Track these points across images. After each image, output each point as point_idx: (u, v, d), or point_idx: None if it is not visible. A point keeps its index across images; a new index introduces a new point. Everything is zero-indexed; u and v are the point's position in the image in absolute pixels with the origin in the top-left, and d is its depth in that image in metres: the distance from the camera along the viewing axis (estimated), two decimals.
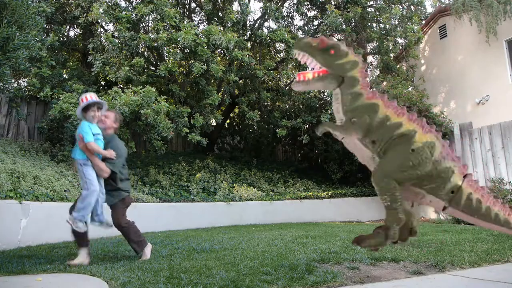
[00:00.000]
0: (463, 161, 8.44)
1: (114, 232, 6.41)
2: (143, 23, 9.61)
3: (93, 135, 3.83)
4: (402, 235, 2.25)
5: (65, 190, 6.33)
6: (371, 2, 11.79)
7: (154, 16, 8.86)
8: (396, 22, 11.15)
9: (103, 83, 10.75)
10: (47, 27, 9.72)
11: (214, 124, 10.28)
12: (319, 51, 2.17)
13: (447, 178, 2.07)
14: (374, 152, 2.17)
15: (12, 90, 8.48)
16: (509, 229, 2.12)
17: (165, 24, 8.50)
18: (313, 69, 2.21)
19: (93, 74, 9.01)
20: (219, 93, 10.28)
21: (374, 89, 2.34)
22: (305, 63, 2.23)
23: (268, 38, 10.06)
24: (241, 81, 11.07)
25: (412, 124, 2.14)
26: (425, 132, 2.13)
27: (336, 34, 11.83)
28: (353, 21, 10.90)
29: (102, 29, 10.19)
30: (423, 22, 12.32)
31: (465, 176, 2.11)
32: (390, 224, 2.04)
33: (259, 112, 10.05)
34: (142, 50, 9.66)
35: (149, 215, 7.12)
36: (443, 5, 11.97)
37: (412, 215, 2.25)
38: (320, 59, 2.17)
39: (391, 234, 2.06)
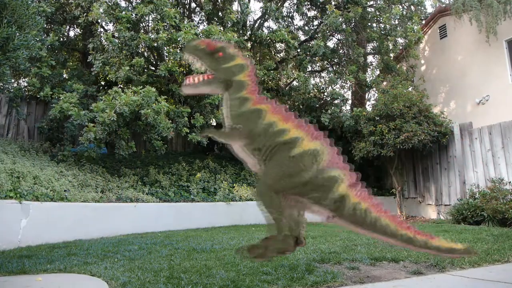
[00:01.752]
0: (463, 161, 8.44)
1: (114, 232, 6.43)
2: (143, 23, 9.61)
3: None
4: (289, 245, 2.17)
5: (65, 190, 6.33)
6: (371, 2, 11.79)
7: (154, 16, 8.86)
8: (396, 22, 11.15)
9: (103, 83, 10.76)
10: (47, 27, 9.72)
11: (215, 124, 10.28)
12: (207, 54, 2.11)
13: (332, 187, 1.97)
14: (258, 160, 2.07)
15: (12, 90, 8.48)
16: (397, 240, 2.03)
17: (165, 24, 8.50)
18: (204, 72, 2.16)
19: (93, 74, 9.01)
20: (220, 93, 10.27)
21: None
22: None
23: (268, 38, 10.06)
24: None
25: (299, 130, 2.05)
26: (312, 139, 2.04)
27: (336, 34, 11.84)
28: (353, 21, 10.90)
29: (102, 29, 10.19)
30: (423, 22, 12.32)
31: (353, 185, 2.03)
32: (279, 235, 1.97)
33: None
34: (142, 50, 9.66)
35: (149, 215, 7.12)
36: (443, 5, 11.97)
37: (299, 224, 2.17)
38: (208, 63, 2.11)
39: (280, 244, 1.99)
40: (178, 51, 8.43)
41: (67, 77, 9.32)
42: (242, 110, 2.08)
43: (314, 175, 1.96)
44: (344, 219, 2.01)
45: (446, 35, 11.41)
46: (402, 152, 9.24)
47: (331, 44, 12.76)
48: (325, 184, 1.97)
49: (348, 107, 12.55)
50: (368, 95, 13.46)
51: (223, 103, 2.16)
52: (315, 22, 12.30)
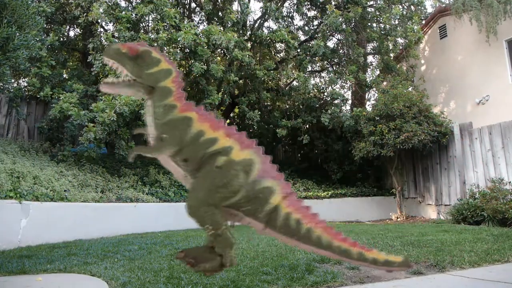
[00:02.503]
0: (463, 161, 8.44)
1: (114, 232, 6.43)
2: (143, 23, 9.61)
3: None
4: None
5: (65, 190, 6.33)
6: (371, 2, 11.79)
7: (154, 16, 8.86)
8: (396, 22, 11.15)
9: None
10: (47, 27, 9.72)
11: None
12: (129, 59, 1.95)
13: (266, 199, 1.87)
14: (186, 172, 1.94)
15: (12, 90, 8.48)
16: (332, 252, 1.93)
17: (165, 24, 8.50)
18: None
19: (93, 74, 9.01)
20: (219, 93, 10.28)
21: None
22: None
23: (268, 38, 10.06)
24: (241, 81, 11.08)
25: (229, 139, 1.92)
26: (243, 148, 1.92)
27: (336, 34, 11.84)
28: (353, 21, 10.90)
29: (102, 29, 10.18)
30: (423, 22, 12.32)
31: (286, 196, 1.93)
32: (223, 251, 1.85)
33: (259, 112, 10.06)
34: None
35: (149, 215, 7.12)
36: (443, 5, 11.97)
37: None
38: (129, 68, 1.94)
39: (227, 260, 1.86)
40: (178, 51, 8.43)
41: (67, 77, 9.32)
42: (168, 119, 1.94)
43: (248, 187, 1.86)
44: (277, 231, 1.90)
45: (446, 35, 11.41)
46: (402, 152, 9.23)
47: (331, 44, 12.77)
48: (259, 195, 1.87)
49: (348, 107, 12.55)
50: (368, 95, 13.47)
51: (146, 111, 2.00)
52: (315, 22, 12.31)
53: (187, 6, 11.70)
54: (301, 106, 11.26)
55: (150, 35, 8.57)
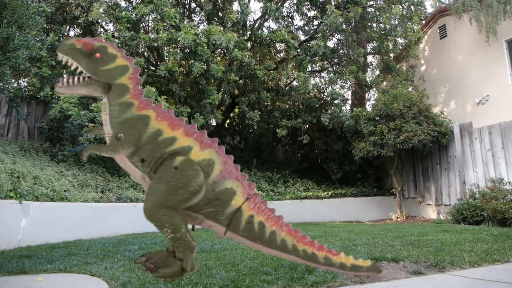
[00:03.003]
0: (463, 161, 8.44)
1: (114, 232, 6.43)
2: (143, 23, 9.62)
3: None
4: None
5: (65, 190, 6.33)
6: (371, 2, 11.79)
7: (154, 16, 8.86)
8: (396, 22, 11.15)
9: None
10: (47, 27, 9.72)
11: (214, 124, 10.29)
12: (84, 55, 1.86)
13: (227, 201, 1.79)
14: (144, 172, 1.85)
15: (12, 90, 8.48)
16: (297, 257, 1.84)
17: (165, 24, 8.50)
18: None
19: None
20: (219, 93, 10.28)
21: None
22: None
23: (268, 38, 10.06)
24: (241, 81, 11.08)
25: (188, 139, 1.85)
26: (203, 148, 1.84)
27: (336, 34, 11.84)
28: (353, 21, 10.90)
29: (102, 29, 10.19)
30: (423, 22, 12.32)
31: (249, 197, 1.84)
32: (184, 255, 1.77)
33: (259, 112, 10.06)
34: (142, 50, 9.67)
35: None
36: (443, 5, 11.97)
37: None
38: (84, 64, 1.85)
39: (188, 264, 1.77)
40: (178, 51, 8.44)
41: None
42: (124, 117, 1.84)
43: (208, 188, 1.78)
44: (240, 234, 1.81)
45: (446, 35, 11.41)
46: (402, 152, 9.24)
47: (331, 44, 12.76)
48: (220, 197, 1.79)
49: (348, 107, 12.56)
50: (368, 95, 13.47)
51: (103, 109, 1.91)
52: (315, 22, 12.31)
53: (187, 6, 11.70)
54: (301, 106, 11.26)
55: (150, 35, 8.57)
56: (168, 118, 1.89)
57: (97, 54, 1.89)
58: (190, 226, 1.91)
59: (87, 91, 1.91)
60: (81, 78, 1.85)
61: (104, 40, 1.99)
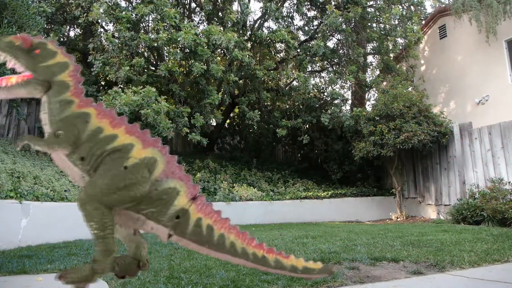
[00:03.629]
0: (463, 161, 8.44)
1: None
2: (143, 23, 9.62)
3: None
4: (129, 269, 1.91)
5: (65, 190, 6.33)
6: (371, 2, 11.80)
7: (154, 16, 8.87)
8: (396, 22, 11.16)
9: (103, 83, 10.76)
10: (47, 27, 9.72)
11: (214, 124, 10.29)
12: (23, 52, 1.82)
13: (170, 201, 1.74)
14: (83, 171, 1.79)
15: None
16: (247, 260, 1.78)
17: (165, 24, 8.50)
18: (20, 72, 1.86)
19: (93, 74, 9.02)
20: (219, 93, 10.28)
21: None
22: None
23: (268, 38, 10.06)
24: (241, 81, 11.09)
25: (130, 137, 1.80)
26: (145, 147, 1.79)
27: (336, 34, 11.84)
28: (353, 21, 10.91)
29: (102, 29, 10.19)
30: (423, 22, 12.32)
31: (194, 198, 1.80)
32: (99, 256, 1.71)
33: (259, 112, 10.06)
34: (142, 50, 9.67)
35: None
36: (443, 5, 11.97)
37: (138, 245, 1.92)
38: (23, 61, 1.81)
39: (100, 267, 1.69)
40: (178, 51, 8.44)
41: None
42: (64, 115, 1.80)
43: (149, 188, 1.73)
44: (186, 238, 1.75)
45: (446, 35, 11.42)
46: (402, 152, 9.24)
47: (331, 44, 12.77)
48: (162, 197, 1.74)
49: (348, 107, 12.56)
50: (368, 95, 13.48)
51: (42, 108, 1.85)
52: (315, 22, 12.31)
53: (187, 6, 11.70)
54: (301, 106, 11.27)
55: (150, 35, 8.58)
56: (109, 116, 1.86)
57: (36, 51, 1.86)
58: (131, 231, 1.87)
59: (26, 92, 1.85)
60: (19, 78, 1.80)
61: (42, 38, 1.96)
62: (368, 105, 13.25)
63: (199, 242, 1.77)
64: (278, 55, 13.81)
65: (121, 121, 1.85)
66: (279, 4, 11.19)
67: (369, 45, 13.27)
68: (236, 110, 12.68)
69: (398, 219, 9.23)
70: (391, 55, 11.75)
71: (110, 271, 1.78)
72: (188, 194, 1.79)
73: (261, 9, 11.08)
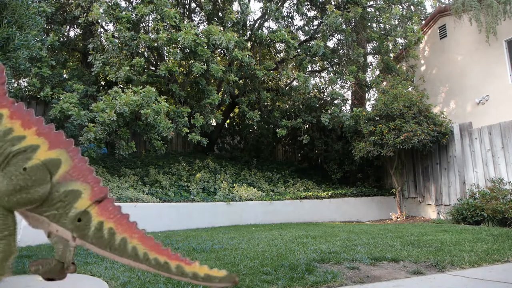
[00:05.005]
0: (463, 161, 8.44)
1: None
2: (143, 23, 9.62)
3: None
4: (55, 271, 1.87)
5: None
6: (371, 2, 11.80)
7: (154, 16, 8.86)
8: (396, 22, 11.16)
9: (103, 83, 10.76)
10: (47, 27, 9.72)
11: (214, 124, 10.29)
12: None
13: (71, 203, 1.70)
14: None
15: (12, 90, 8.48)
16: (149, 266, 1.75)
17: (165, 24, 8.50)
18: None
19: (93, 74, 9.02)
20: (219, 93, 10.28)
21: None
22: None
23: (268, 38, 10.06)
24: (241, 81, 11.09)
25: (38, 138, 1.75)
26: (52, 148, 1.75)
27: (336, 34, 11.84)
28: (353, 21, 10.91)
29: (102, 29, 10.19)
30: (423, 22, 12.32)
31: (100, 201, 1.76)
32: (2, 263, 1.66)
33: (259, 112, 10.06)
34: (142, 50, 9.67)
35: (149, 215, 7.12)
36: (443, 5, 11.97)
37: (65, 247, 1.85)
38: None
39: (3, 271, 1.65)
40: (178, 51, 8.44)
41: (67, 77, 9.33)
42: None
43: (50, 189, 1.69)
44: (88, 241, 1.72)
45: (446, 35, 11.42)
46: (402, 152, 9.24)
47: (331, 44, 12.77)
48: (62, 200, 1.71)
49: (348, 107, 12.56)
50: (368, 95, 13.47)
51: None
52: (315, 22, 12.31)
53: (187, 6, 11.70)
54: (301, 106, 11.27)
55: (150, 35, 8.57)
56: (24, 117, 1.78)
57: None
58: (46, 233, 1.82)
59: None
60: None
61: None
62: (368, 105, 13.25)
63: (101, 246, 1.73)
64: (278, 55, 13.82)
65: (36, 122, 1.79)
66: (279, 4, 11.19)
67: (369, 45, 13.28)
68: (236, 110, 12.68)
69: (398, 219, 9.23)
70: (391, 55, 11.75)
71: (9, 274, 1.74)
72: (92, 197, 1.75)
73: (261, 9, 11.08)
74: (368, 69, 12.82)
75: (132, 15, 8.50)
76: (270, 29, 11.50)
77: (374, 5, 11.75)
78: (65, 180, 1.74)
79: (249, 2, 9.82)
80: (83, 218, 1.72)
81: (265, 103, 12.19)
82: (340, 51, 12.20)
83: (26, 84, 9.20)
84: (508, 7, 9.14)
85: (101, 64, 8.42)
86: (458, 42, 10.99)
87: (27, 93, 8.97)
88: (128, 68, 8.14)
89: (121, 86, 9.35)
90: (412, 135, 8.31)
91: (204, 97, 9.12)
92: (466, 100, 10.62)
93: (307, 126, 11.76)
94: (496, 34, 9.36)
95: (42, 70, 7.89)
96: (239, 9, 9.92)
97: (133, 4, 9.99)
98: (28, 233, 5.24)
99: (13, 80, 9.02)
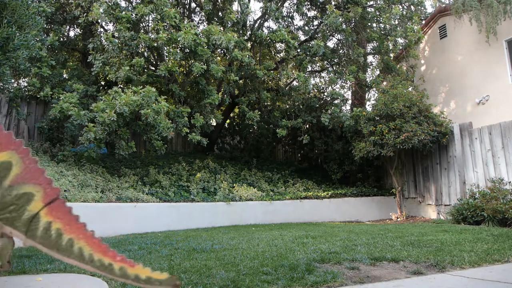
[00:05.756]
0: (463, 161, 8.44)
1: (114, 232, 6.43)
2: (143, 23, 9.62)
3: None
4: None
5: (65, 190, 6.33)
6: (371, 2, 11.80)
7: (154, 16, 8.86)
8: (396, 22, 11.15)
9: (103, 83, 10.76)
10: (47, 27, 9.72)
11: (214, 124, 10.29)
12: None
13: (24, 206, 1.67)
14: None
15: (12, 90, 8.48)
16: (94, 267, 1.70)
17: (165, 24, 8.50)
18: None
19: (93, 74, 9.02)
20: (219, 93, 10.28)
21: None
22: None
23: (268, 38, 10.06)
24: (241, 81, 11.09)
25: None
26: (1, 150, 1.66)
27: (336, 34, 11.84)
28: (353, 21, 10.90)
29: (102, 29, 10.19)
30: (423, 22, 12.32)
31: (51, 202, 1.71)
32: None
33: (259, 112, 10.06)
34: (142, 50, 9.67)
35: (149, 215, 7.12)
36: (443, 5, 11.97)
37: (3, 246, 1.78)
38: None
39: None
40: (178, 51, 8.44)
41: (67, 77, 9.33)
42: None
43: (3, 193, 1.65)
44: (37, 242, 1.66)
45: (446, 35, 11.41)
46: (402, 152, 9.23)
47: (331, 44, 12.76)
48: (15, 203, 1.67)
49: (348, 107, 12.56)
50: (368, 95, 13.47)
51: None
52: (315, 22, 12.31)
53: (187, 6, 11.70)
54: (301, 106, 11.27)
55: (150, 35, 8.57)
56: None
57: None
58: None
59: None
60: None
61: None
62: (368, 105, 13.25)
63: (48, 246, 1.67)
64: (278, 55, 13.81)
65: None
66: (279, 4, 11.18)
67: (369, 45, 13.27)
68: (236, 110, 12.68)
69: (398, 219, 9.23)
70: (391, 55, 11.74)
71: None
72: (44, 199, 1.69)
73: (261, 9, 11.08)
74: (368, 69, 12.81)
75: (132, 15, 8.50)
76: (270, 29, 11.50)
77: (374, 5, 11.75)
78: (17, 183, 1.66)
79: (249, 2, 9.82)
80: (33, 219, 1.68)
81: (265, 103, 12.19)
82: (340, 51, 12.20)
83: (26, 84, 9.20)
84: (508, 7, 9.14)
85: (101, 64, 8.42)
86: (458, 42, 10.99)
87: (27, 93, 8.97)
88: (128, 68, 8.14)
89: (121, 86, 9.35)
90: (412, 135, 8.31)
91: (204, 97, 9.12)
92: (466, 100, 10.62)
93: (307, 126, 11.76)
94: (496, 34, 9.36)
95: (42, 70, 7.89)
96: (239, 9, 9.92)
97: (133, 4, 9.99)
98: None
99: (13, 80, 9.02)
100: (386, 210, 9.97)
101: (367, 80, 11.36)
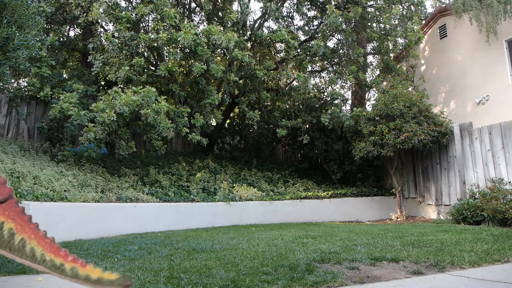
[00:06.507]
0: (463, 161, 8.44)
1: (114, 232, 6.43)
2: (143, 23, 9.61)
3: None
4: None
5: (65, 190, 6.33)
6: (371, 2, 11.79)
7: (154, 16, 8.86)
8: (396, 22, 11.15)
9: (103, 83, 10.76)
10: (47, 27, 9.72)
11: (214, 124, 10.29)
12: None
13: None
14: None
15: (12, 90, 8.48)
16: (45, 267, 1.86)
17: (165, 24, 8.49)
18: None
19: (93, 74, 9.02)
20: (219, 93, 10.28)
21: None
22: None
23: (268, 38, 10.06)
24: (241, 81, 11.09)
25: None
26: None
27: (336, 34, 11.84)
28: (353, 21, 10.90)
29: (102, 29, 10.19)
30: (423, 22, 12.31)
31: (3, 203, 1.88)
32: None
33: (259, 112, 10.06)
34: (142, 50, 9.67)
35: (149, 215, 7.12)
36: (443, 5, 11.96)
37: None
38: None
39: None
40: (178, 51, 8.44)
41: (67, 77, 9.33)
42: None
43: None
44: None
45: (446, 35, 11.41)
46: (402, 152, 9.23)
47: (331, 44, 12.76)
48: None
49: (348, 107, 12.56)
50: (368, 95, 13.47)
51: None
52: (315, 22, 12.31)
53: (187, 6, 11.70)
54: (301, 106, 11.27)
55: (150, 35, 8.57)
56: None
57: None
58: None
59: None
60: None
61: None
62: (368, 105, 13.25)
63: (1, 246, 1.76)
64: (278, 55, 13.81)
65: None
66: (279, 4, 11.18)
67: (369, 45, 13.27)
68: (236, 110, 12.68)
69: (398, 219, 9.23)
70: (391, 55, 11.74)
71: None
72: None
73: (261, 9, 11.07)
74: (368, 69, 12.81)
75: (132, 15, 8.50)
76: (270, 29, 11.50)
77: (374, 5, 11.75)
78: None
79: (249, 2, 9.81)
80: None
81: (265, 103, 12.19)
82: (340, 51, 12.20)
83: (26, 84, 9.20)
84: (508, 7, 9.13)
85: (101, 64, 8.41)
86: (458, 42, 10.98)
87: (27, 93, 8.97)
88: (128, 68, 8.14)
89: (121, 86, 9.35)
90: (412, 135, 8.31)
91: (204, 97, 9.12)
92: (466, 100, 10.62)
93: (307, 126, 11.75)
94: (496, 34, 9.35)
95: (42, 70, 7.89)
96: (239, 9, 9.91)
97: (133, 4, 9.99)
98: None
99: (13, 80, 9.03)
100: (386, 210, 9.97)
101: (367, 80, 11.36)
